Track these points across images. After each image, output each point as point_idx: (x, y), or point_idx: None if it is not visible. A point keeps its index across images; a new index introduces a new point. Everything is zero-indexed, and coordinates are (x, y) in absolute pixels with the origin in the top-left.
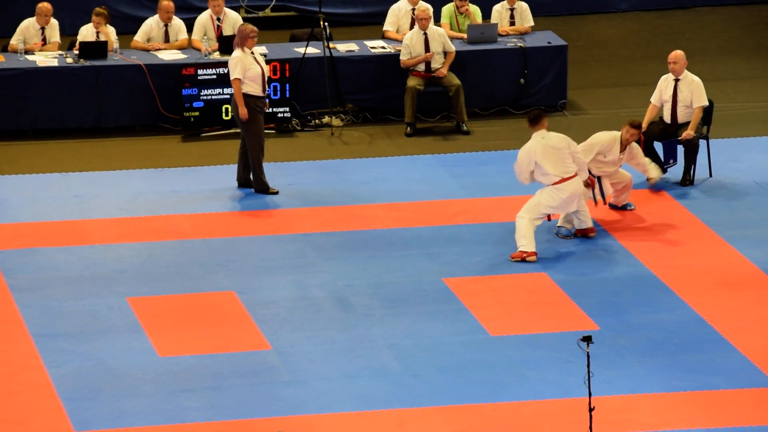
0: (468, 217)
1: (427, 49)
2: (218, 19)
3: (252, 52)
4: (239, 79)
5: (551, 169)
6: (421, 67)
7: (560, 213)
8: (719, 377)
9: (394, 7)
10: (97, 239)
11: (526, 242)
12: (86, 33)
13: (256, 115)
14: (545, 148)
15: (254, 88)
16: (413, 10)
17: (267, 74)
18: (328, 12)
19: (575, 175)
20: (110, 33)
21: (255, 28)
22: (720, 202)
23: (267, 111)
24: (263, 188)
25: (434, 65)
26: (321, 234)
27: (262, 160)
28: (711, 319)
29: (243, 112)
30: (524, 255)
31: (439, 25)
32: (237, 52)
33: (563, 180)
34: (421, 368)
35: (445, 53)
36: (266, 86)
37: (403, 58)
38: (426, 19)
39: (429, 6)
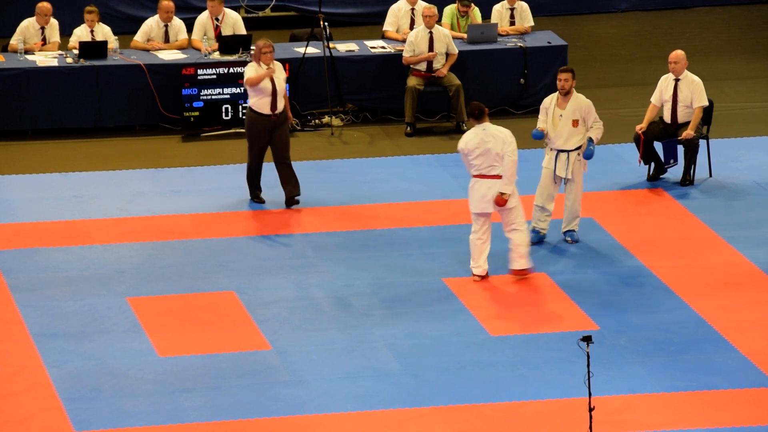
0: (468, 217)
1: (431, 48)
2: (216, 19)
3: (269, 68)
4: (250, 78)
5: (477, 161)
6: (422, 66)
7: (480, 210)
8: (719, 377)
9: (393, 7)
10: (97, 239)
11: (472, 263)
12: (81, 33)
13: (255, 132)
14: (482, 139)
15: (261, 105)
16: (412, 10)
17: (283, 92)
18: (328, 12)
19: (497, 177)
20: (107, 32)
21: (268, 43)
22: (720, 202)
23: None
24: (253, 196)
25: (435, 65)
26: (321, 234)
27: (252, 171)
28: (711, 319)
29: (264, 73)
30: (476, 278)
31: (440, 25)
32: (252, 64)
33: (482, 176)
34: (421, 368)
35: (447, 54)
36: (277, 106)
37: (405, 54)
38: (432, 17)
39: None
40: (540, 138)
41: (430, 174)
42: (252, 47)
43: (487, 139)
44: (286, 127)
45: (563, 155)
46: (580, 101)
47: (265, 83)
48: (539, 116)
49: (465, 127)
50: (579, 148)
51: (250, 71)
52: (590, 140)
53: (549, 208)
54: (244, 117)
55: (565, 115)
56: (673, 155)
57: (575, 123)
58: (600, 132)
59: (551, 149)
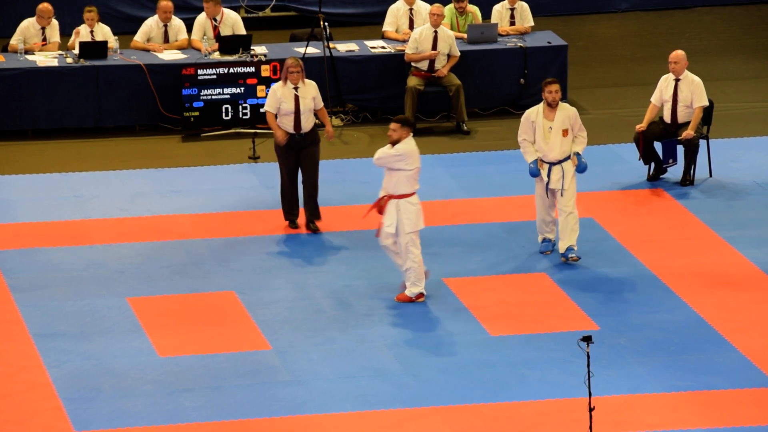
0: (468, 217)
1: (434, 47)
2: (214, 20)
3: (296, 87)
4: (269, 112)
5: (416, 177)
6: (423, 66)
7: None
8: (719, 377)
9: (392, 8)
10: (97, 239)
11: (420, 286)
12: (82, 33)
13: (281, 151)
14: (417, 156)
15: (285, 124)
16: (410, 9)
17: (308, 111)
18: (328, 12)
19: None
20: (107, 32)
21: (295, 62)
22: (720, 202)
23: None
24: (286, 218)
25: (437, 65)
26: (321, 234)
27: (284, 192)
28: (711, 319)
29: (277, 135)
30: (419, 297)
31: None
32: (278, 84)
33: (413, 193)
34: (421, 368)
35: (449, 56)
36: (301, 126)
37: (408, 51)
38: (439, 16)
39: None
40: (538, 174)
41: (430, 174)
42: (252, 48)
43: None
44: (316, 149)
45: (557, 167)
46: (567, 111)
47: (288, 103)
48: (524, 132)
49: (465, 128)
50: (567, 158)
51: (271, 100)
52: (578, 154)
53: (553, 217)
54: (244, 117)
55: (555, 126)
56: (673, 155)
57: (565, 133)
58: (584, 144)
59: (543, 162)
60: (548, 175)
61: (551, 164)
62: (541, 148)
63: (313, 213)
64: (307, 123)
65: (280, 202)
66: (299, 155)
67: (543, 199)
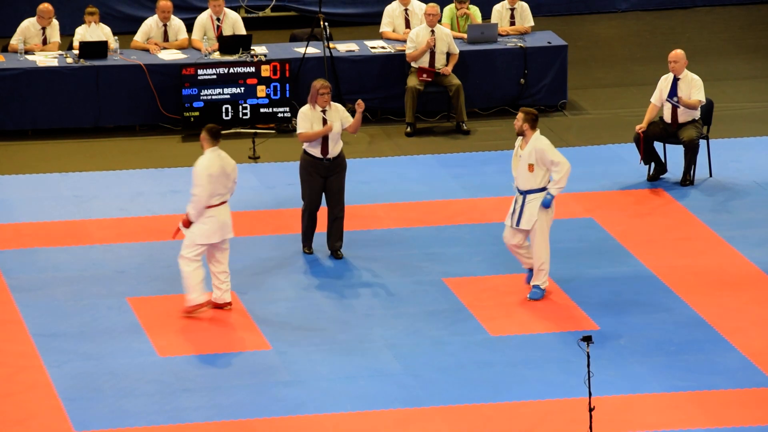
0: (468, 217)
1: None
2: (218, 19)
3: (324, 111)
4: (302, 134)
5: (215, 189)
6: (425, 64)
7: (219, 239)
8: (719, 377)
9: (388, 8)
10: (97, 239)
11: (194, 295)
12: (84, 32)
13: (307, 176)
14: (222, 165)
15: (313, 150)
16: (406, 10)
17: (337, 135)
18: (328, 12)
19: (224, 203)
20: (107, 32)
21: (325, 84)
22: (720, 202)
23: (266, 111)
24: (304, 245)
25: (437, 65)
26: (321, 234)
27: (305, 219)
28: (711, 319)
29: (326, 128)
30: (193, 309)
31: (440, 25)
32: (306, 107)
33: (223, 203)
34: (421, 368)
35: (449, 54)
36: (329, 150)
37: (408, 51)
38: (434, 15)
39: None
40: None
41: (430, 174)
42: (252, 48)
43: (225, 164)
44: (343, 176)
45: (520, 198)
46: (537, 143)
47: (317, 126)
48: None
49: (465, 127)
50: (534, 191)
51: (304, 123)
52: (548, 193)
53: (524, 245)
54: (244, 117)
55: (523, 156)
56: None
57: (530, 167)
58: (560, 187)
59: (516, 189)
60: (513, 207)
61: (521, 193)
62: (513, 173)
63: (340, 240)
64: (336, 148)
65: (280, 203)
66: (326, 182)
67: (508, 236)
